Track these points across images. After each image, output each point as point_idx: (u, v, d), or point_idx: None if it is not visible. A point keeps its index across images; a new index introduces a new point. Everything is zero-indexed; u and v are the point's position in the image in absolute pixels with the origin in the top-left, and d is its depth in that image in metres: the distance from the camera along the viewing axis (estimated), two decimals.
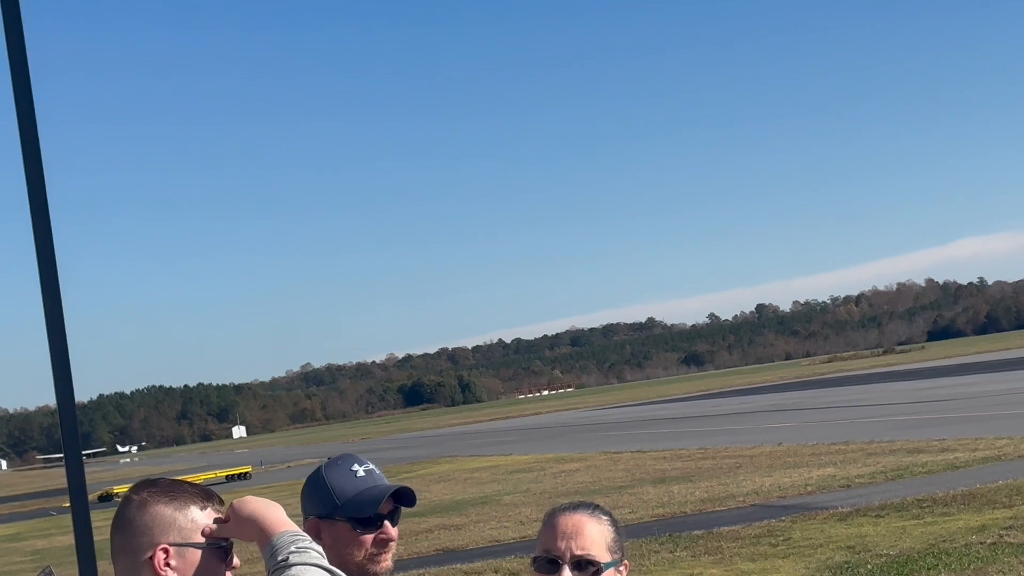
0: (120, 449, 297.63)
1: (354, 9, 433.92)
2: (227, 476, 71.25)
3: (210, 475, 70.51)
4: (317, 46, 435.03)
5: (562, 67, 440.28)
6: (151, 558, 2.97)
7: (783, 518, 21.66)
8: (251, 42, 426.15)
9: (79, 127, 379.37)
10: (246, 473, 72.88)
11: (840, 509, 21.67)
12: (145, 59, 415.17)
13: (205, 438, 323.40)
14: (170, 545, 2.97)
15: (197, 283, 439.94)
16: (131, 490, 3.10)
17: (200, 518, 3.03)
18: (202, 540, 3.00)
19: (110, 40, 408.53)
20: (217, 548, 3.03)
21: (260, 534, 2.97)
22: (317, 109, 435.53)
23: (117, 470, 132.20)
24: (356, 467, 3.71)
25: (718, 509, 24.70)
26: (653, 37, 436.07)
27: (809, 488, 25.86)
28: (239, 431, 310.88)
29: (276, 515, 3.00)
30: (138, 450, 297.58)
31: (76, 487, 4.15)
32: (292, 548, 2.90)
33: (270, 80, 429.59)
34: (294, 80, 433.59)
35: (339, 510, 3.62)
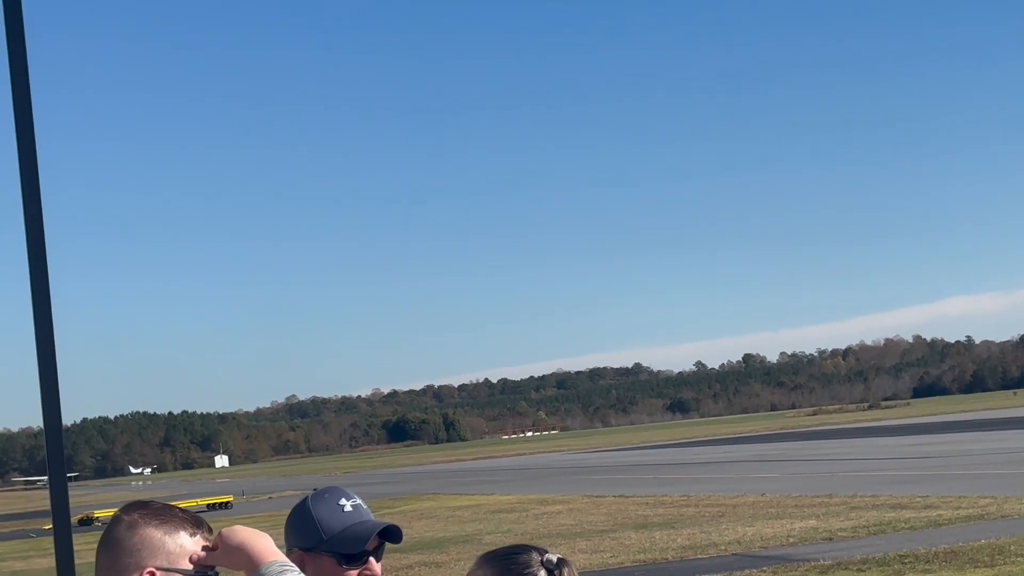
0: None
1: (326, 45, 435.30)
2: (208, 505, 71.10)
3: (191, 503, 70.14)
4: (303, 75, 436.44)
5: (551, 107, 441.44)
6: None
7: (764, 568, 21.62)
8: (238, 64, 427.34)
9: (74, 145, 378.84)
10: (228, 503, 72.74)
11: (822, 562, 21.62)
12: (136, 77, 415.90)
13: (187, 466, 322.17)
14: (157, 569, 2.95)
15: (186, 309, 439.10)
16: (121, 510, 3.08)
17: (189, 544, 3.01)
18: (189, 567, 2.99)
19: (105, 57, 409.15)
20: None
21: (248, 563, 2.96)
22: (307, 138, 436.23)
23: (98, 495, 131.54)
24: (343, 501, 3.69)
25: (699, 557, 24.66)
26: (640, 80, 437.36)
27: (791, 539, 25.82)
28: (222, 460, 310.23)
29: (265, 545, 2.99)
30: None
31: (59, 509, 4.12)
32: None
33: (260, 106, 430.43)
34: (283, 108, 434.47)
35: (325, 544, 3.60)
